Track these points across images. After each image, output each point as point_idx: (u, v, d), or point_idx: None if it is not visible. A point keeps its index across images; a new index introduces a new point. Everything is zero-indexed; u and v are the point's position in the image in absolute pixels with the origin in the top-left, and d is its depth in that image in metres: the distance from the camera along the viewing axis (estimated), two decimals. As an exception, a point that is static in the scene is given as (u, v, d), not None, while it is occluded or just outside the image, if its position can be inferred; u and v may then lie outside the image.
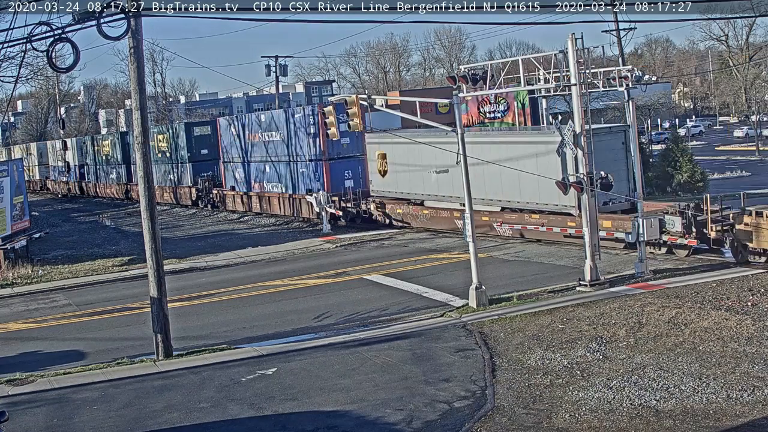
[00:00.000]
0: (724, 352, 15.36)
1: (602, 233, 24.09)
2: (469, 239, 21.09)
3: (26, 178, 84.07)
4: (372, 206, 36.09)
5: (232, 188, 46.77)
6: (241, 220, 44.67)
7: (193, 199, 51.05)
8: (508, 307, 20.28)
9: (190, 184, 51.49)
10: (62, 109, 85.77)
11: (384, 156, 35.46)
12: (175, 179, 53.72)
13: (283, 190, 41.75)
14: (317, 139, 38.29)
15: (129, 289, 27.73)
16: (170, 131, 54.54)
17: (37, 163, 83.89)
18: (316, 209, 36.75)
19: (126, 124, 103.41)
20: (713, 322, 16.99)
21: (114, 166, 64.92)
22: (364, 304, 22.40)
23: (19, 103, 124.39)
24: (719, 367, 14.55)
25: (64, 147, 72.06)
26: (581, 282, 21.56)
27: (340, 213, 37.36)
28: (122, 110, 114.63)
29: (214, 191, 49.06)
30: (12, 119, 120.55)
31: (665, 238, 24.13)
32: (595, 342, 16.56)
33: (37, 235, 37.86)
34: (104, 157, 66.68)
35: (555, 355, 16.03)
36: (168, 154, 54.25)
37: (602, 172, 22.90)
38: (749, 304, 18.02)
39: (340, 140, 35.90)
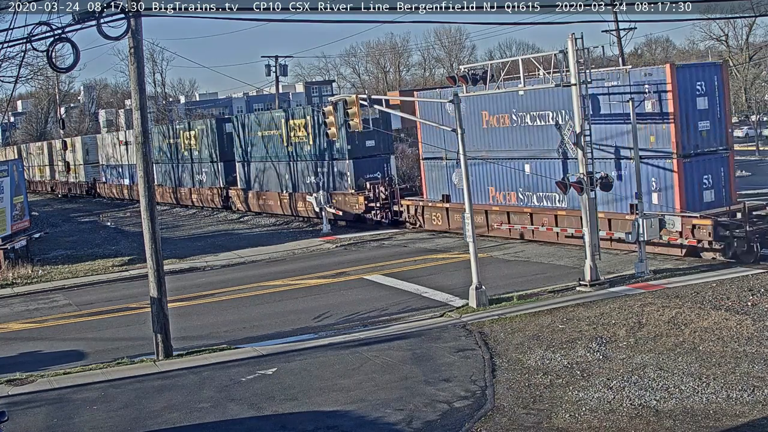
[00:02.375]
0: (724, 352, 15.36)
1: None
2: (469, 239, 21.09)
3: (71, 180, 72.22)
4: None
5: (445, 198, 32.80)
6: (241, 220, 44.67)
7: (361, 210, 36.08)
8: (508, 307, 20.28)
9: (352, 190, 36.58)
10: (62, 109, 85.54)
11: None
12: (324, 183, 38.64)
13: (566, 204, 27.42)
14: (660, 125, 24.51)
15: (129, 289, 27.74)
16: (316, 115, 38.76)
17: (82, 162, 69.66)
18: (316, 209, 36.72)
19: (126, 124, 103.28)
20: (713, 322, 16.98)
21: (203, 164, 49.73)
22: (364, 304, 22.40)
23: (19, 103, 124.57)
24: (719, 367, 14.55)
25: (64, 147, 71.43)
26: (581, 282, 21.56)
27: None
28: (122, 110, 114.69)
29: (405, 202, 34.66)
30: (12, 119, 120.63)
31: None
32: (595, 342, 16.56)
33: (37, 235, 37.88)
34: (185, 153, 51.50)
35: (555, 355, 16.03)
36: (308, 148, 39.50)
37: (602, 172, 22.92)
38: (749, 304, 18.01)
39: (698, 124, 24.65)
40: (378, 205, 35.44)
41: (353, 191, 36.38)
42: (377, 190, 35.40)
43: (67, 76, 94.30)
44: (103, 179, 65.98)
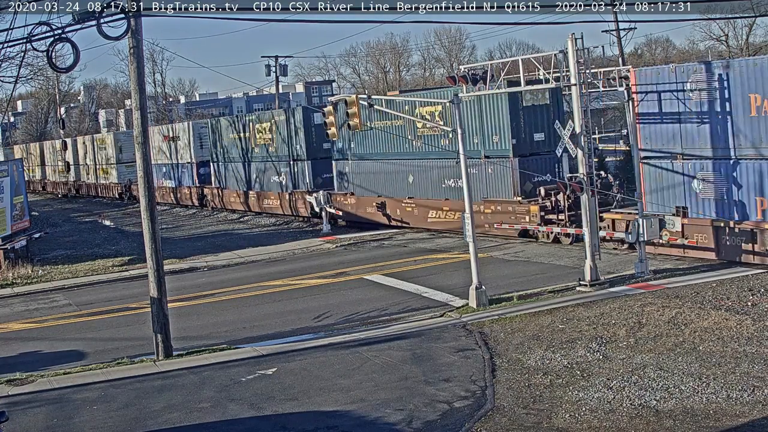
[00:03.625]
0: (724, 352, 15.36)
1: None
2: (469, 239, 21.09)
3: (101, 181, 65.20)
4: None
5: (680, 211, 23.69)
6: (241, 220, 44.66)
7: (533, 223, 27.99)
8: (508, 307, 20.28)
9: (518, 198, 28.71)
10: (62, 109, 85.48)
11: None
12: (471, 187, 24.43)
13: None
14: None
15: (129, 289, 27.74)
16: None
17: (114, 161, 63.31)
18: (316, 209, 36.72)
19: (126, 124, 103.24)
20: (713, 322, 16.99)
21: (275, 163, 42.13)
22: (364, 304, 22.40)
23: (19, 103, 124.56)
24: (719, 367, 14.55)
25: (64, 147, 71.10)
26: (581, 282, 21.56)
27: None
28: (122, 110, 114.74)
29: (609, 216, 25.60)
30: (12, 119, 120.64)
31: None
32: (595, 342, 16.56)
33: (36, 235, 37.88)
34: (256, 151, 43.87)
35: (555, 355, 16.03)
36: (446, 143, 30.37)
37: (602, 172, 22.92)
38: (749, 304, 18.01)
39: None
40: (561, 217, 27.21)
41: (519, 199, 28.48)
42: (557, 198, 27.22)
43: (67, 76, 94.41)
44: None
